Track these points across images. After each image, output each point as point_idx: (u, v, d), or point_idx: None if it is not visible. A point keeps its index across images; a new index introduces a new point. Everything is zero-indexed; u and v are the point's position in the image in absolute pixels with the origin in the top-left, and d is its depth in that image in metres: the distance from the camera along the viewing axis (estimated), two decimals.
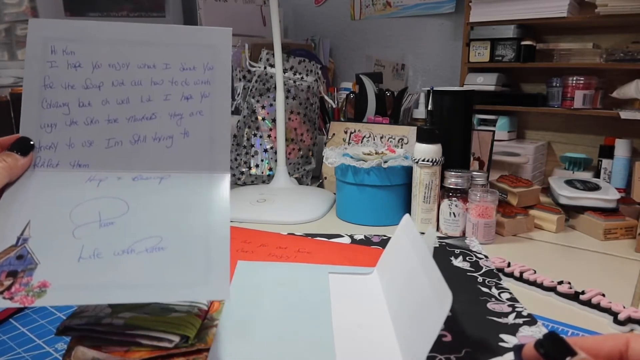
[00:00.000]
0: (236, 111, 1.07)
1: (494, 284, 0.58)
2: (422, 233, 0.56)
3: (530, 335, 0.47)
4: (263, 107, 1.05)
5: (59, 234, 0.37)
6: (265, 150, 1.06)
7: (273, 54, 0.98)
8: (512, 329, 0.48)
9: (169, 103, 0.44)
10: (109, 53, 0.44)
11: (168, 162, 0.43)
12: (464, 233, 0.76)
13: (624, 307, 0.51)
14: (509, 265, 0.63)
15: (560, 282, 0.57)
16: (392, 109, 1.10)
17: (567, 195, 0.81)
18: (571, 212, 0.82)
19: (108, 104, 0.43)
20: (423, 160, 0.76)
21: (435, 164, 0.76)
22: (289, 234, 0.75)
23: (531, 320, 0.49)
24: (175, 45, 0.44)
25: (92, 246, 0.36)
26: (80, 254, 0.35)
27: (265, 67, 1.04)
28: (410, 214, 0.68)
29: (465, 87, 1.00)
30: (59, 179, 0.41)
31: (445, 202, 0.77)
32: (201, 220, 0.39)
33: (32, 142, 0.41)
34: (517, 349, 0.31)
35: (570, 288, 0.56)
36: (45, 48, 0.43)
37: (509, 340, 0.46)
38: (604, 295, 0.54)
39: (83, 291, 0.34)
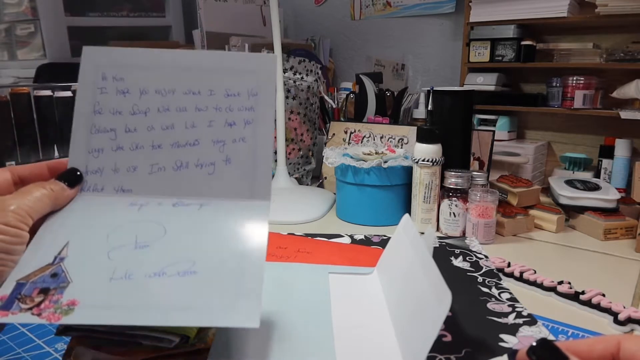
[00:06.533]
0: None
1: (494, 284, 0.58)
2: (422, 233, 0.56)
3: (530, 335, 0.47)
4: None
5: (94, 255, 0.37)
6: None
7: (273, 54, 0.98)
8: (512, 329, 0.48)
9: (212, 129, 0.43)
10: (156, 79, 0.44)
11: (209, 189, 0.43)
12: (464, 233, 0.76)
13: (624, 307, 0.51)
14: (509, 265, 0.63)
15: (560, 282, 0.57)
16: (392, 109, 1.10)
17: (567, 195, 0.81)
18: (571, 212, 0.82)
19: (153, 130, 0.43)
20: (423, 160, 0.76)
21: (435, 164, 0.76)
22: (289, 234, 0.75)
23: (531, 320, 0.49)
24: (220, 71, 0.44)
25: (125, 267, 0.36)
26: (113, 274, 0.35)
27: None
28: (410, 214, 0.68)
29: (465, 87, 1.00)
30: (101, 203, 0.41)
31: (445, 202, 0.77)
32: (237, 247, 0.38)
33: (79, 173, 0.42)
34: (511, 355, 0.31)
35: (570, 288, 0.56)
36: (96, 75, 0.43)
37: (509, 340, 0.46)
38: (604, 295, 0.54)
39: (110, 311, 0.33)
